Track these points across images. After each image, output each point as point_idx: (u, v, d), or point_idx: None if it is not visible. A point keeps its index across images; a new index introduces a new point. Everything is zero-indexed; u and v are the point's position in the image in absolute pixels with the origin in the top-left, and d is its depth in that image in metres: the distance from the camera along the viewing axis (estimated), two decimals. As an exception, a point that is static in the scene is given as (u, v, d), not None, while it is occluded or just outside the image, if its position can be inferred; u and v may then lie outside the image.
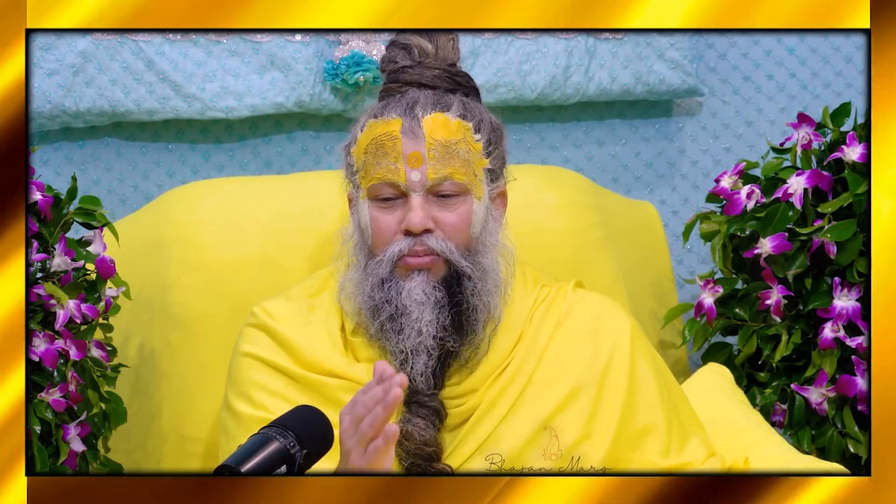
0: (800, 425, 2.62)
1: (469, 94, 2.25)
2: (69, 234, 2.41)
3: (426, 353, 2.15)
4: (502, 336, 2.23)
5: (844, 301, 2.58)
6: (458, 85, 2.24)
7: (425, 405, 2.16)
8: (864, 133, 2.61)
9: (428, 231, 2.16)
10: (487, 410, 2.19)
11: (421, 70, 2.24)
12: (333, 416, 2.05)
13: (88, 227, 2.45)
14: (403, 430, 2.14)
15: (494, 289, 2.19)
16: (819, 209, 2.61)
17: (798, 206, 2.59)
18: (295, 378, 2.21)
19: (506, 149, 2.28)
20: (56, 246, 2.35)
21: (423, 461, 2.15)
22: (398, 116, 2.18)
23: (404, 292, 2.15)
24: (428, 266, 2.16)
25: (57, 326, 2.31)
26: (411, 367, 2.16)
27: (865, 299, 2.57)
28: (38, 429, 2.29)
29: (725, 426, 2.40)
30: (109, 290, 2.43)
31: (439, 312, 2.15)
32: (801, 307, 2.63)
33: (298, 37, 2.79)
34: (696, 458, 2.21)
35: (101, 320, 2.43)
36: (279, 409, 2.16)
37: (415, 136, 2.16)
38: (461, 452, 2.17)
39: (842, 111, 2.69)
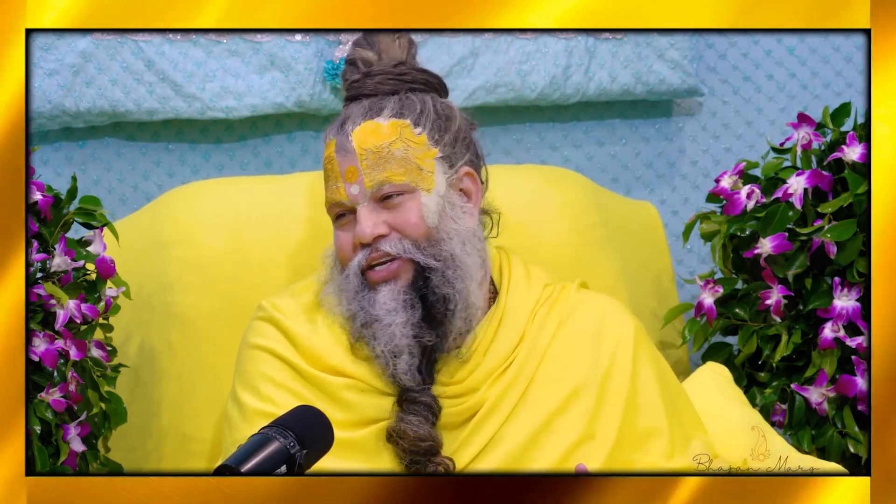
0: (800, 425, 2.62)
1: (416, 88, 2.27)
2: (69, 234, 2.41)
3: (407, 352, 2.18)
4: (504, 335, 2.24)
5: (844, 301, 2.58)
6: (402, 83, 2.27)
7: (416, 401, 2.18)
8: (864, 133, 2.61)
9: (382, 237, 2.19)
10: (492, 410, 2.20)
11: (363, 81, 2.28)
12: (337, 415, 2.06)
13: (88, 227, 2.45)
14: (397, 428, 2.16)
15: (465, 274, 2.21)
16: (819, 209, 2.60)
17: (798, 206, 2.59)
18: (301, 374, 2.22)
19: (464, 132, 2.28)
20: (56, 246, 2.35)
21: (421, 457, 2.16)
22: (333, 137, 2.24)
23: (377, 304, 2.19)
24: (394, 275, 2.19)
25: (57, 326, 2.31)
26: (395, 368, 2.18)
27: (865, 299, 2.57)
28: (38, 429, 2.29)
29: (724, 425, 2.40)
30: (109, 290, 2.43)
31: (411, 313, 2.18)
32: (801, 307, 2.63)
33: (298, 37, 2.79)
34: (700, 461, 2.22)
35: (101, 320, 2.43)
36: (285, 401, 2.18)
37: (346, 151, 2.21)
38: (467, 452, 2.18)
39: (842, 111, 2.69)
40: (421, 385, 2.18)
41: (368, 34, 2.33)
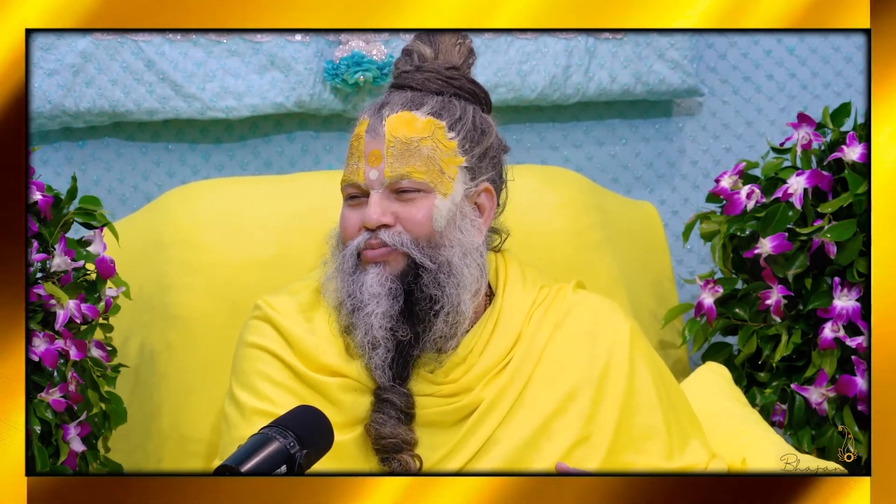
0: (800, 425, 2.62)
1: (462, 96, 2.26)
2: (69, 234, 2.41)
3: (383, 345, 2.18)
4: (500, 336, 2.24)
5: (844, 301, 2.58)
6: (449, 87, 2.26)
7: (381, 398, 2.19)
8: (864, 133, 2.61)
9: (386, 226, 2.19)
10: (488, 410, 2.20)
11: (413, 74, 2.27)
12: (334, 416, 2.06)
13: (88, 227, 2.45)
14: (365, 426, 2.18)
15: (459, 282, 2.20)
16: (819, 209, 2.61)
17: (798, 206, 2.59)
18: (297, 374, 2.23)
19: (495, 150, 2.28)
20: (56, 246, 2.35)
21: (386, 454, 2.17)
22: (367, 117, 2.24)
23: (364, 287, 2.19)
24: (385, 258, 2.19)
25: (57, 326, 2.31)
26: (370, 360, 2.19)
27: (865, 299, 2.57)
28: (38, 429, 2.29)
29: (723, 425, 2.40)
30: (109, 290, 2.43)
31: (392, 304, 2.18)
32: (801, 307, 2.63)
33: (298, 37, 2.79)
34: (699, 461, 2.21)
35: (101, 320, 2.43)
36: (283, 399, 2.19)
37: (376, 134, 2.21)
38: (463, 453, 2.18)
39: (842, 111, 2.69)
40: (391, 382, 2.19)
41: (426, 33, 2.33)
